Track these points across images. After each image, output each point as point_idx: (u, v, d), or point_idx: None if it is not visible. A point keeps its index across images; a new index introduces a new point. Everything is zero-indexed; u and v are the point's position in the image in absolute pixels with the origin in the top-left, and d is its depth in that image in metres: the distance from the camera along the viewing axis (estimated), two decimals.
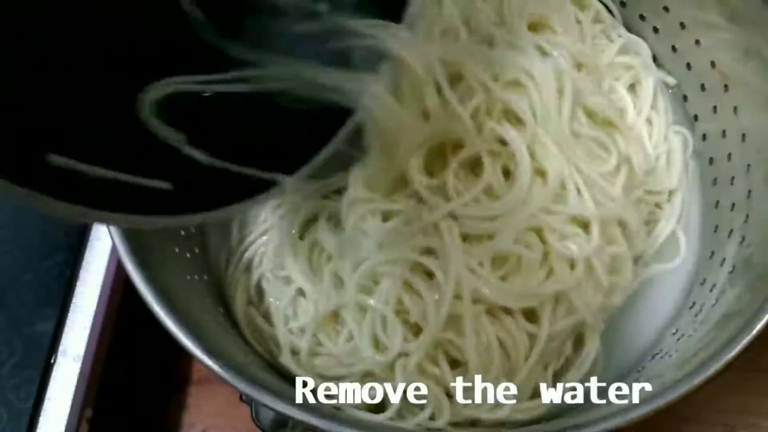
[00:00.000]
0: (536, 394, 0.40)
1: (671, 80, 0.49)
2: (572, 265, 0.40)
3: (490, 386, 0.38)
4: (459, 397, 0.38)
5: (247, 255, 0.45)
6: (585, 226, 0.41)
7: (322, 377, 0.40)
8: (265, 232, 0.46)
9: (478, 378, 0.38)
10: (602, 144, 0.43)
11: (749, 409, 0.48)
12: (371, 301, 0.40)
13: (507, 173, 0.41)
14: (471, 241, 0.40)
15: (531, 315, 0.40)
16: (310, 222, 0.45)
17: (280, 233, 0.45)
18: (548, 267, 0.40)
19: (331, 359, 0.41)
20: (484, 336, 0.38)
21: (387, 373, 0.39)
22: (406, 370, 0.39)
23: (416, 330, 0.40)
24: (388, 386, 0.39)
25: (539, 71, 0.41)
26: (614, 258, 0.42)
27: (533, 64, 0.42)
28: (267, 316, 0.44)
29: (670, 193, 0.47)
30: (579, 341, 0.42)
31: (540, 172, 0.41)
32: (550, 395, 0.40)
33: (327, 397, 0.39)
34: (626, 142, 0.44)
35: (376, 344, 0.40)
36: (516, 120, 0.41)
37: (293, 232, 0.44)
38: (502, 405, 0.38)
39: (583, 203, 0.41)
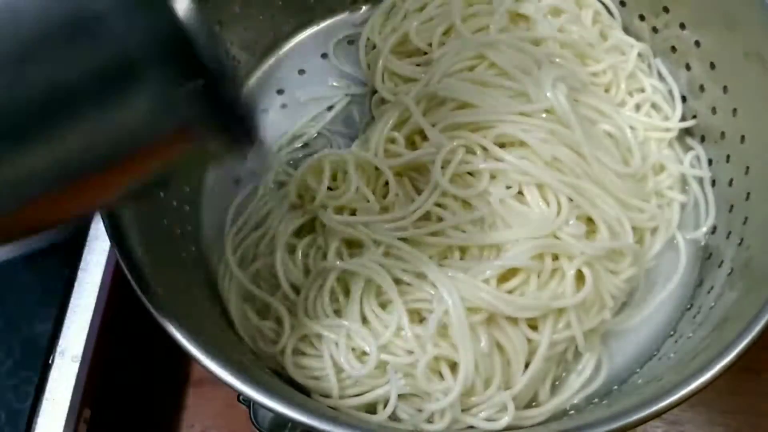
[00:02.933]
0: (535, 399, 0.40)
1: (670, 81, 0.49)
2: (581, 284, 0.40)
3: (489, 392, 0.38)
4: (457, 402, 0.38)
5: (241, 251, 0.45)
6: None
7: (316, 379, 0.40)
8: (259, 228, 0.46)
9: (478, 383, 0.38)
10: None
11: (750, 409, 0.48)
12: (374, 316, 0.40)
13: None
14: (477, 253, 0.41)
15: (532, 321, 0.40)
16: (309, 224, 0.45)
17: (277, 231, 0.45)
18: (556, 283, 0.40)
19: (324, 361, 0.41)
20: (484, 341, 0.38)
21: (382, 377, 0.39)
22: (410, 378, 0.39)
23: (420, 318, 0.40)
24: (386, 389, 0.39)
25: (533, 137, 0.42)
26: (629, 280, 0.43)
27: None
28: (262, 314, 0.44)
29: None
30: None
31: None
32: (552, 405, 0.40)
33: (322, 396, 0.39)
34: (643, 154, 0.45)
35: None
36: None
37: (290, 230, 0.44)
38: (502, 414, 0.38)
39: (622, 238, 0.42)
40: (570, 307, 0.39)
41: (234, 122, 0.24)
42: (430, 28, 0.49)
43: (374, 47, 0.51)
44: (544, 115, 0.43)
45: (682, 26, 0.47)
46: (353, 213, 0.43)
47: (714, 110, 0.46)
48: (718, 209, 0.45)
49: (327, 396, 0.40)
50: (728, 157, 0.45)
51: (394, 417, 0.39)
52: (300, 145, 0.49)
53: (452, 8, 0.48)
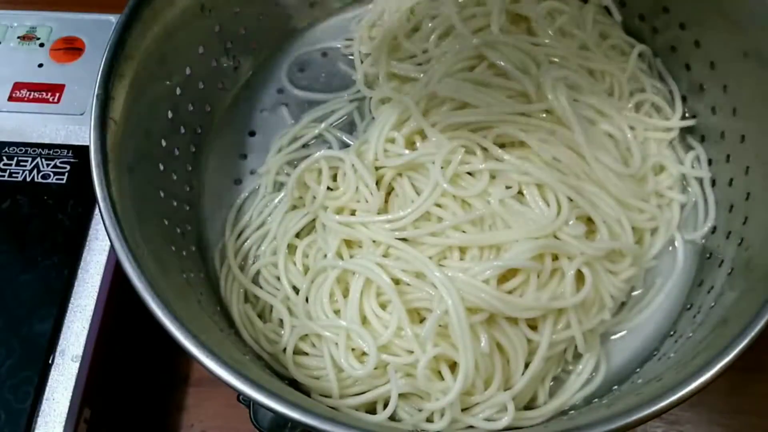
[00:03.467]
0: (535, 399, 0.40)
1: (670, 81, 0.49)
2: (580, 284, 0.40)
3: (489, 392, 0.38)
4: (457, 402, 0.38)
5: (242, 252, 0.45)
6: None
7: (316, 378, 0.40)
8: (259, 229, 0.46)
9: (478, 383, 0.38)
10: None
11: (750, 409, 0.48)
12: (374, 316, 0.40)
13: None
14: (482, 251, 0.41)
15: (531, 321, 0.40)
16: (309, 224, 0.45)
17: (278, 231, 0.45)
18: (556, 283, 0.40)
19: (324, 361, 0.41)
20: (484, 341, 0.38)
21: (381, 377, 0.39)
22: (410, 377, 0.39)
23: (420, 318, 0.40)
24: (386, 388, 0.39)
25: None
26: (629, 280, 0.42)
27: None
28: (263, 315, 0.44)
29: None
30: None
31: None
32: (552, 406, 0.40)
33: (323, 396, 0.39)
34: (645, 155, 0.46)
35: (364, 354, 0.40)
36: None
37: (291, 232, 0.44)
38: (502, 414, 0.38)
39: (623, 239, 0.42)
40: (570, 307, 0.39)
41: None
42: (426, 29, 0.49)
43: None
44: (544, 116, 0.43)
45: (682, 26, 0.47)
46: (353, 213, 0.43)
47: (714, 110, 0.46)
48: (718, 209, 0.45)
49: (327, 396, 0.40)
50: (728, 157, 0.45)
51: (393, 416, 0.39)
52: (300, 145, 0.49)
53: (449, 9, 0.48)
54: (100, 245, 0.45)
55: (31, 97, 0.52)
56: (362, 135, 0.48)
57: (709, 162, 0.47)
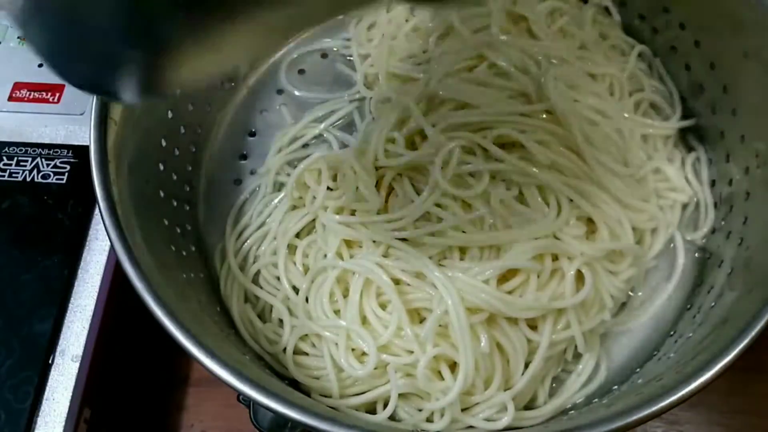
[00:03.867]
0: (535, 399, 0.40)
1: (670, 81, 0.49)
2: (580, 284, 0.40)
3: (489, 392, 0.38)
4: (457, 402, 0.38)
5: (242, 252, 0.45)
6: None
7: (316, 378, 0.40)
8: (259, 229, 0.46)
9: (478, 383, 0.38)
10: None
11: (750, 409, 0.48)
12: (374, 316, 0.40)
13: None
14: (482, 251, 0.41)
15: (531, 321, 0.40)
16: (309, 224, 0.45)
17: (278, 231, 0.45)
18: (556, 283, 0.40)
19: (324, 361, 0.41)
20: (484, 341, 0.38)
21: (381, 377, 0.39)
22: (410, 377, 0.39)
23: (419, 318, 0.40)
24: (386, 388, 0.39)
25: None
26: (629, 280, 0.43)
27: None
28: (263, 315, 0.44)
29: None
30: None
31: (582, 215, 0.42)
32: (551, 406, 0.40)
33: (323, 396, 0.39)
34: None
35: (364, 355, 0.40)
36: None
37: (291, 232, 0.44)
38: (501, 415, 0.38)
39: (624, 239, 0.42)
40: (569, 307, 0.39)
41: None
42: (426, 29, 0.49)
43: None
44: (544, 116, 0.43)
45: (682, 26, 0.47)
46: (353, 213, 0.43)
47: (714, 110, 0.46)
48: (718, 209, 0.45)
49: (327, 396, 0.40)
50: (728, 157, 0.45)
51: (394, 416, 0.39)
52: (300, 145, 0.49)
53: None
54: (100, 245, 0.45)
55: (31, 97, 0.52)
56: (362, 135, 0.48)
57: (709, 162, 0.47)
